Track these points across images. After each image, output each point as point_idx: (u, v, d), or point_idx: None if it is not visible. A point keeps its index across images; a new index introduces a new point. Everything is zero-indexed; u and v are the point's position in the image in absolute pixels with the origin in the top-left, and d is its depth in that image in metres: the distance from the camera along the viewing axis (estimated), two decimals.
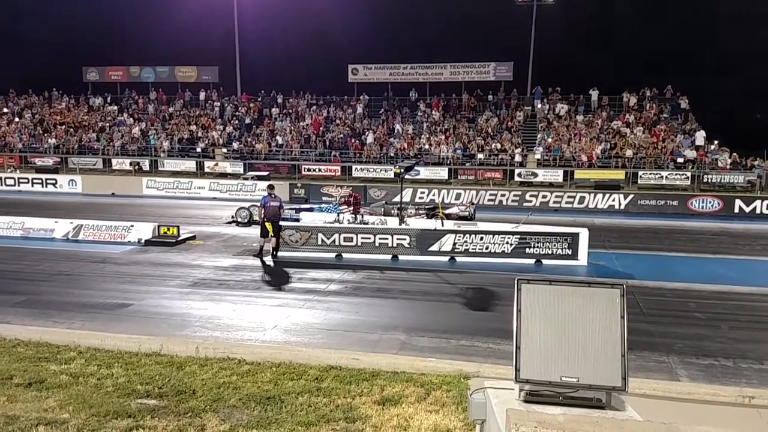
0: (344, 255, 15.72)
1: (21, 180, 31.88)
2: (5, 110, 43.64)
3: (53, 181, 31.62)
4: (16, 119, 42.42)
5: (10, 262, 15.14)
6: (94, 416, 6.41)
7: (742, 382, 8.01)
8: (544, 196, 26.39)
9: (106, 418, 6.38)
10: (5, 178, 31.99)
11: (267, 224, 15.56)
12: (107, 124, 41.13)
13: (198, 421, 6.35)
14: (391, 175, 29.94)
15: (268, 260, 15.47)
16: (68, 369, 7.82)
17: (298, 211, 19.08)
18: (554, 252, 15.27)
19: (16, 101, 44.83)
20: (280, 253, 15.77)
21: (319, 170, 34.00)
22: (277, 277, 14.10)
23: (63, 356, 8.32)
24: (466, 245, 15.52)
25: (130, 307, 11.25)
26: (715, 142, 33.12)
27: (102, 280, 13.36)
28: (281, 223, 15.98)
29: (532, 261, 15.27)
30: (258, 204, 16.63)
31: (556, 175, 31.04)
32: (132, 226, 17.77)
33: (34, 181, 31.74)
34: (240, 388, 7.19)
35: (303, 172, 33.71)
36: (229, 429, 6.21)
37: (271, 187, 16.91)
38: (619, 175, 30.18)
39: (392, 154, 34.49)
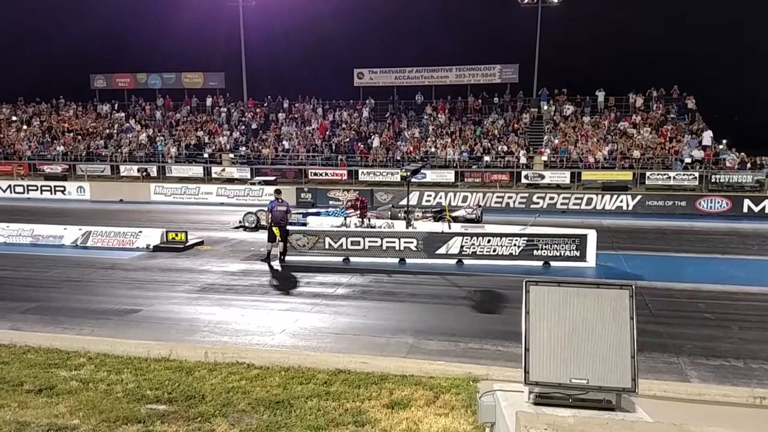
0: (352, 259, 15.73)
1: (30, 187, 32.04)
2: (14, 118, 44.01)
3: (62, 188, 31.77)
4: (25, 127, 42.75)
5: (20, 269, 15.24)
6: (104, 422, 6.44)
7: (753, 383, 7.94)
8: (552, 198, 26.30)
9: (116, 423, 6.41)
10: (14, 185, 32.22)
11: (274, 229, 15.61)
12: (115, 131, 41.39)
13: (207, 426, 6.37)
14: (397, 178, 29.85)
15: (276, 265, 15.50)
16: (78, 375, 7.86)
17: (305, 215, 19.11)
18: (562, 254, 15.21)
19: (24, 109, 45.20)
20: (287, 258, 15.80)
21: (326, 174, 34.05)
22: (284, 282, 14.13)
23: (73, 362, 8.35)
24: (474, 248, 15.50)
25: (139, 313, 11.29)
26: (723, 141, 32.96)
27: (111, 286, 13.41)
28: (288, 227, 16.02)
29: (540, 263, 15.22)
30: (265, 209, 16.67)
31: (563, 176, 30.96)
32: (140, 232, 17.85)
33: (43, 188, 31.92)
34: (249, 393, 7.20)
35: (310, 177, 33.77)
36: None
37: (278, 191, 16.95)
38: (626, 176, 30.06)
39: (398, 158, 34.51)
